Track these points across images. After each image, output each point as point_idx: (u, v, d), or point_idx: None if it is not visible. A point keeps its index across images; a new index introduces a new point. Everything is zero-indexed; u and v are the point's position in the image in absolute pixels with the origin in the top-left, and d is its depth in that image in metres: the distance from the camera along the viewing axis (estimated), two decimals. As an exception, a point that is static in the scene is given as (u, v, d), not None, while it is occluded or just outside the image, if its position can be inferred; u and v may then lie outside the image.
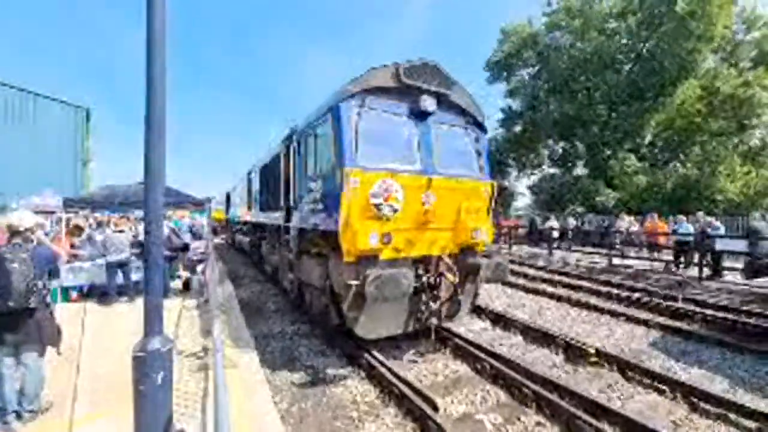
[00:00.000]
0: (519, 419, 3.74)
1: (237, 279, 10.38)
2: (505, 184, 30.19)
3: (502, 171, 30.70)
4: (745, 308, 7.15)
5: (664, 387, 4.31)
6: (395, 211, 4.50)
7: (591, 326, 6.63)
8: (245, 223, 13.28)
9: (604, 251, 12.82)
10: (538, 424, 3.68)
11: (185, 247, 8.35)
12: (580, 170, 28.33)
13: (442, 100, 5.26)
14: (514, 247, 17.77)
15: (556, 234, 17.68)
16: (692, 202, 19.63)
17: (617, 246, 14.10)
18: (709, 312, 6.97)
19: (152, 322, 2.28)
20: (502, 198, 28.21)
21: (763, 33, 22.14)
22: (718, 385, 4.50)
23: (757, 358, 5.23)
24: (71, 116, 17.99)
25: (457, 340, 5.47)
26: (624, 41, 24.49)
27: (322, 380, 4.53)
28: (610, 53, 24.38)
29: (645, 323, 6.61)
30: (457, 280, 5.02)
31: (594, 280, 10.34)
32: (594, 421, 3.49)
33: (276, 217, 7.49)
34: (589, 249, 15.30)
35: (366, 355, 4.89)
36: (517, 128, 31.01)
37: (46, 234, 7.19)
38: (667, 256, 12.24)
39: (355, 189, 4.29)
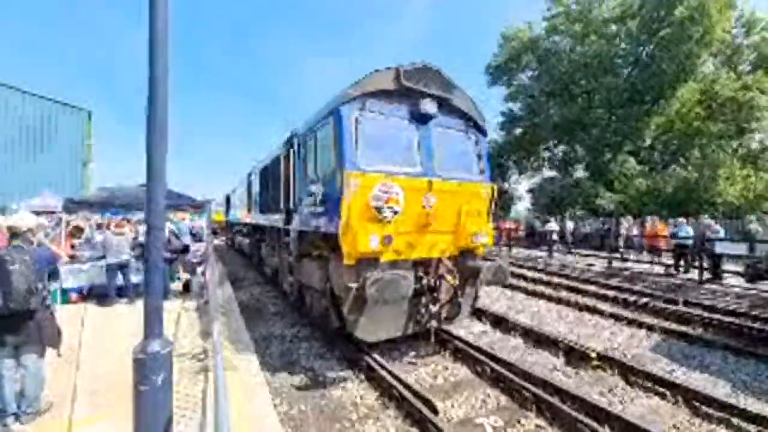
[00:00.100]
0: (519, 422, 3.73)
1: (237, 281, 10.37)
2: (505, 186, 30.23)
3: (503, 174, 30.74)
4: (746, 312, 7.14)
5: (665, 391, 4.30)
6: (395, 213, 4.51)
7: (592, 329, 6.62)
8: (245, 225, 13.28)
9: (604, 254, 12.81)
10: (539, 427, 3.66)
11: (185, 249, 8.35)
12: (580, 173, 28.37)
13: (443, 104, 5.27)
14: (514, 250, 17.77)
15: (555, 237, 17.67)
16: (692, 205, 19.65)
17: (620, 249, 14.12)
18: (710, 315, 6.95)
19: (152, 324, 2.28)
20: (502, 201, 28.24)
21: (762, 36, 22.23)
22: (720, 389, 4.48)
23: (759, 361, 5.21)
24: (72, 118, 18.03)
25: (457, 342, 5.45)
26: (623, 45, 24.62)
27: (322, 383, 4.52)
28: (609, 57, 24.50)
29: (646, 326, 6.60)
30: (457, 282, 5.02)
31: (594, 283, 10.33)
32: (595, 425, 3.47)
33: (276, 220, 7.49)
34: (589, 252, 15.29)
35: (366, 357, 4.88)
36: (518, 131, 31.09)
37: (46, 235, 7.20)
38: (668, 259, 12.24)
39: (356, 191, 4.29)
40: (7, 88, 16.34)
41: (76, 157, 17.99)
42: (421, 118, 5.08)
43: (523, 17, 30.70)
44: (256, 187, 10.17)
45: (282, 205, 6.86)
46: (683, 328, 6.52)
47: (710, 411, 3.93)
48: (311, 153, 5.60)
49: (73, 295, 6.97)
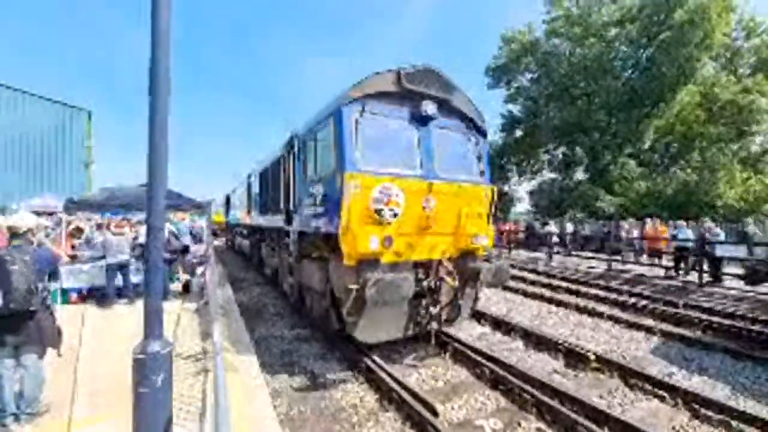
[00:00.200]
0: (519, 425, 3.72)
1: (237, 282, 10.36)
2: (505, 188, 30.26)
3: (503, 176, 30.79)
4: (746, 314, 7.14)
5: (665, 393, 4.29)
6: (396, 215, 4.51)
7: (591, 331, 6.61)
8: (245, 226, 13.29)
9: (604, 257, 12.81)
10: (539, 430, 3.66)
11: (185, 250, 8.35)
12: (580, 175, 28.42)
13: (443, 105, 5.28)
14: (513, 252, 17.76)
15: (555, 239, 17.67)
16: (692, 208, 19.67)
17: (623, 252, 14.13)
18: (709, 318, 6.95)
19: (152, 324, 2.28)
20: (502, 203, 28.26)
21: (762, 40, 22.31)
22: (720, 392, 4.48)
23: (759, 364, 5.21)
24: (73, 118, 18.06)
25: (457, 344, 5.45)
26: (623, 48, 24.70)
27: (322, 384, 4.51)
28: (609, 60, 24.58)
29: (645, 329, 6.59)
30: (457, 284, 5.02)
31: (594, 285, 10.33)
32: (595, 427, 3.47)
33: (276, 221, 7.50)
34: (589, 254, 15.28)
35: (366, 359, 4.87)
36: (518, 133, 31.16)
37: (47, 236, 7.20)
38: (668, 261, 12.23)
39: (356, 193, 4.30)
40: (6, 88, 16.37)
41: (77, 158, 18.01)
42: (421, 120, 5.09)
43: (523, 18, 30.86)
44: (256, 188, 10.18)
45: (282, 206, 6.87)
46: (683, 331, 6.51)
47: (710, 414, 3.93)
48: (312, 154, 5.61)
49: (73, 296, 6.97)
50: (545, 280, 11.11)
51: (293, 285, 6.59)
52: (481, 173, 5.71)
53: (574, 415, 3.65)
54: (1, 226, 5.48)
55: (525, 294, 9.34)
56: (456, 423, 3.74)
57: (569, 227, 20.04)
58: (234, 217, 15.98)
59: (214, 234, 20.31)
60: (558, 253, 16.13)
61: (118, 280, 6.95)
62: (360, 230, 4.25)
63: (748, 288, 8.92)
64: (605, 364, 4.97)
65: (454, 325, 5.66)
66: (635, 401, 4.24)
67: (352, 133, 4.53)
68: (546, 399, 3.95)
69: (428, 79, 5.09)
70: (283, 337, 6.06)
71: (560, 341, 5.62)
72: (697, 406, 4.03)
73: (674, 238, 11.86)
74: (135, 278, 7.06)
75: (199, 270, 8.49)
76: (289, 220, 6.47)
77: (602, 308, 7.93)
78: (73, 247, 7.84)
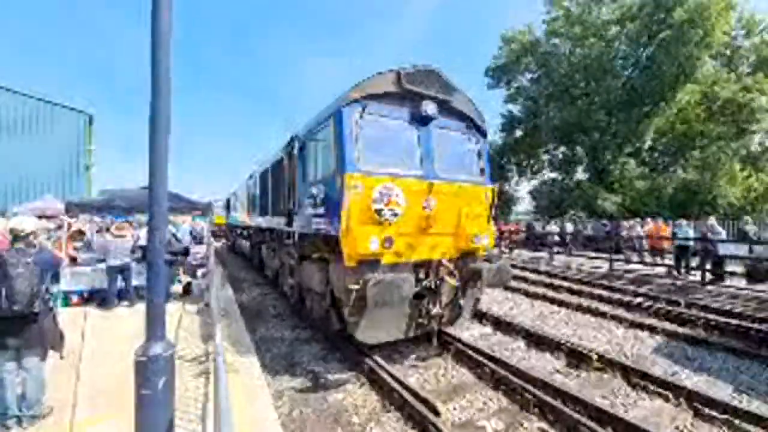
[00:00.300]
0: (521, 425, 3.71)
1: (237, 283, 10.37)
2: (505, 188, 30.26)
3: (503, 176, 30.78)
4: (748, 313, 7.12)
5: (668, 393, 4.28)
6: (396, 215, 4.51)
7: (593, 331, 6.60)
8: (246, 227, 13.30)
9: (605, 256, 12.79)
10: (541, 430, 3.65)
11: (186, 252, 8.35)
12: (580, 175, 28.40)
13: (443, 106, 5.29)
14: (514, 252, 17.75)
15: (556, 238, 17.65)
16: (693, 206, 19.66)
17: (624, 251, 14.11)
18: (712, 317, 6.93)
19: (154, 326, 2.28)
20: (503, 203, 28.26)
21: (762, 38, 22.29)
22: (723, 391, 4.46)
23: (762, 363, 5.19)
24: (74, 121, 18.09)
25: (458, 345, 5.44)
26: (623, 48, 24.69)
27: (323, 385, 4.51)
28: (609, 59, 24.57)
29: (648, 328, 6.58)
30: (458, 284, 5.01)
31: (595, 284, 10.31)
32: (597, 427, 3.46)
33: (277, 222, 7.50)
34: (590, 254, 15.26)
35: (367, 360, 4.87)
36: (518, 133, 31.16)
37: (48, 239, 7.21)
38: (670, 260, 12.21)
39: (357, 194, 4.30)
40: (6, 91, 16.41)
41: (78, 160, 18.05)
42: (421, 120, 5.09)
43: (523, 18, 30.93)
44: (256, 190, 10.19)
45: (283, 208, 6.87)
46: (685, 330, 6.50)
47: (713, 413, 3.91)
48: (312, 155, 5.62)
49: (74, 298, 6.97)
50: (547, 280, 11.10)
51: (294, 286, 6.59)
52: (482, 173, 5.71)
53: (576, 415, 3.64)
54: (2, 229, 5.49)
55: (526, 294, 9.33)
56: (458, 423, 3.73)
57: (569, 227, 20.02)
58: (234, 218, 16.00)
59: (215, 235, 20.33)
60: (559, 252, 16.12)
61: (120, 283, 6.95)
62: (360, 231, 4.25)
63: (751, 286, 8.90)
64: (607, 363, 4.96)
65: (456, 326, 5.65)
66: (638, 401, 4.22)
67: (352, 134, 4.54)
68: (548, 399, 3.93)
69: (428, 79, 5.10)
70: (284, 339, 6.06)
71: (562, 341, 5.61)
72: (700, 406, 4.02)
73: (674, 236, 11.84)
74: (136, 281, 7.06)
75: (200, 272, 8.49)
76: (289, 222, 6.47)
77: (604, 308, 7.91)
78: (75, 249, 7.84)
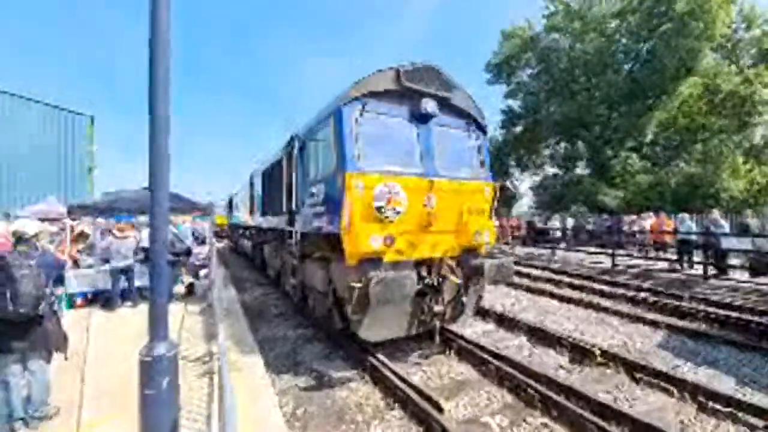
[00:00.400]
0: (525, 421, 3.72)
1: (240, 283, 10.39)
2: (506, 185, 30.19)
3: (504, 172, 30.71)
4: (751, 306, 7.09)
5: (671, 387, 4.27)
6: (397, 213, 4.51)
7: (596, 326, 6.59)
8: (248, 227, 13.33)
9: (608, 251, 12.76)
10: (545, 425, 3.65)
11: (188, 252, 8.38)
12: (581, 170, 28.30)
13: (443, 103, 5.27)
14: (516, 248, 17.72)
15: (558, 234, 17.62)
16: (696, 200, 19.57)
17: (633, 245, 14.09)
18: (715, 311, 6.92)
19: (158, 326, 2.29)
20: (504, 199, 28.21)
21: (762, 30, 22.11)
22: (726, 384, 4.46)
23: (765, 356, 5.18)
24: (75, 123, 18.14)
25: (461, 341, 5.45)
26: (624, 41, 24.54)
27: (327, 383, 4.52)
28: (610, 53, 24.42)
29: (651, 323, 6.57)
30: (460, 281, 5.01)
31: (598, 280, 10.29)
32: (601, 422, 3.46)
33: (278, 221, 7.51)
34: (592, 249, 15.24)
35: (370, 358, 4.88)
36: (518, 129, 31.05)
37: (51, 242, 7.24)
38: (673, 254, 12.17)
39: (357, 192, 4.30)
40: (9, 95, 16.46)
41: (80, 163, 18.10)
42: (421, 118, 5.08)
43: (523, 16, 30.70)
44: (258, 190, 10.20)
45: (284, 207, 6.88)
46: (688, 324, 6.48)
47: (717, 406, 3.91)
48: (312, 154, 5.61)
49: (78, 300, 7.01)
50: (549, 276, 11.08)
51: (296, 285, 6.60)
52: (483, 169, 5.69)
53: (580, 411, 3.64)
54: (5, 232, 5.52)
55: (529, 290, 9.33)
56: (462, 420, 3.74)
57: (570, 222, 19.99)
58: (236, 218, 16.03)
59: (217, 236, 20.39)
60: (562, 248, 16.09)
61: (123, 284, 6.98)
62: (362, 230, 4.25)
63: (754, 280, 8.87)
64: (611, 358, 4.95)
65: (458, 323, 5.65)
66: (641, 395, 4.22)
67: (352, 132, 4.53)
68: (552, 395, 3.94)
69: (428, 76, 5.08)
70: (287, 337, 6.08)
71: (565, 337, 5.61)
72: (703, 399, 4.01)
73: (675, 231, 11.80)
74: (139, 281, 7.09)
75: (203, 272, 8.53)
76: (291, 221, 6.48)
77: (607, 303, 7.91)
78: (79, 251, 7.87)
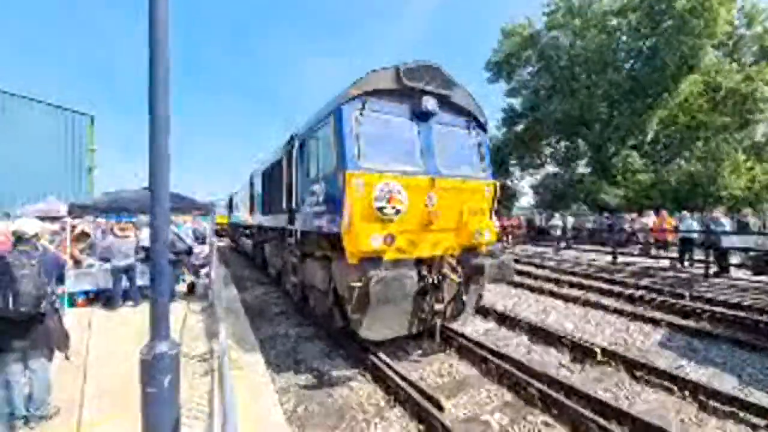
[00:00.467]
0: (525, 419, 3.72)
1: (240, 282, 10.41)
2: (507, 183, 30.17)
3: (505, 170, 30.66)
4: (752, 304, 7.08)
5: (672, 386, 4.28)
6: (398, 212, 4.51)
7: (597, 325, 6.59)
8: (248, 226, 13.33)
9: (609, 249, 12.75)
10: (545, 424, 3.66)
11: (189, 251, 8.38)
12: (582, 168, 28.25)
13: (444, 101, 5.26)
14: (517, 247, 17.72)
15: (558, 232, 17.61)
16: (697, 198, 19.53)
17: (633, 244, 14.08)
18: (717, 309, 6.91)
19: (159, 325, 2.29)
20: (505, 197, 28.18)
21: (764, 27, 22.02)
22: (727, 383, 4.46)
23: (766, 355, 5.18)
24: (75, 123, 18.14)
25: (462, 340, 5.45)
26: (624, 39, 24.44)
27: (327, 382, 4.53)
28: (611, 51, 24.33)
29: (652, 321, 6.56)
30: (460, 280, 5.01)
31: (599, 278, 10.29)
32: (601, 421, 3.46)
33: (279, 220, 7.51)
34: (593, 247, 15.23)
35: (371, 356, 4.89)
36: (519, 128, 30.97)
37: (51, 241, 7.25)
38: (674, 253, 12.16)
39: (358, 191, 4.29)
40: (9, 95, 16.46)
41: (80, 162, 18.11)
42: (422, 116, 5.07)
43: (523, 14, 30.57)
44: (258, 188, 10.20)
45: (284, 206, 6.88)
46: (690, 323, 6.48)
47: (717, 405, 3.91)
48: (313, 153, 5.61)
49: (79, 299, 7.02)
50: (549, 275, 11.07)
51: (296, 284, 6.61)
52: (483, 168, 5.69)
53: (580, 409, 3.64)
54: (6, 231, 5.53)
55: (530, 289, 9.32)
56: (462, 418, 3.75)
57: (570, 220, 19.97)
58: (237, 217, 16.04)
59: (218, 235, 20.40)
60: (565, 247, 16.09)
61: (124, 283, 6.99)
62: (362, 228, 4.25)
63: (756, 278, 8.85)
64: (611, 357, 4.96)
65: (459, 321, 5.66)
66: (642, 394, 4.23)
67: (352, 131, 4.52)
68: (552, 393, 3.94)
69: (428, 75, 5.07)
70: (288, 336, 6.09)
71: (566, 335, 5.61)
72: (704, 398, 4.02)
73: (676, 229, 11.79)
74: (140, 280, 7.10)
75: (204, 271, 8.53)
76: (291, 220, 6.48)
77: (608, 301, 7.90)
78: (80, 251, 7.88)
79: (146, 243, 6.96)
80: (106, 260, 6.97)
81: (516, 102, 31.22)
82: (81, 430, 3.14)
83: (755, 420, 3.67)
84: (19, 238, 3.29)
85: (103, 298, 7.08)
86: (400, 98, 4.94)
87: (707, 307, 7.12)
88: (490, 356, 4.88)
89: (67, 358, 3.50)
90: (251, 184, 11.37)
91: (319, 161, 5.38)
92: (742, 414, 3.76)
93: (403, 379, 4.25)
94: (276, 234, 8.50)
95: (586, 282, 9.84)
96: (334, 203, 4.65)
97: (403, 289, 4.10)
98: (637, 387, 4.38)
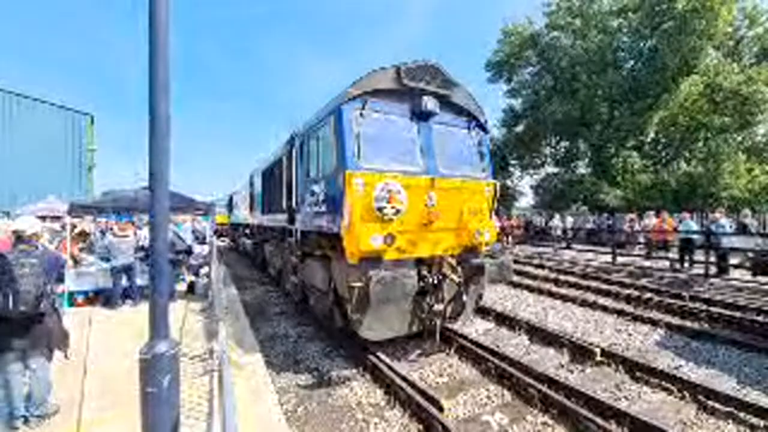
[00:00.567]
0: (525, 419, 3.73)
1: (240, 282, 10.41)
2: (507, 183, 30.16)
3: (505, 171, 30.65)
4: (752, 305, 7.09)
5: (671, 386, 4.28)
6: (398, 212, 4.51)
7: (596, 325, 6.60)
8: (248, 226, 13.33)
9: (608, 250, 12.75)
10: (545, 424, 3.66)
11: (189, 250, 8.39)
12: (582, 169, 28.24)
13: (444, 101, 5.26)
14: (516, 247, 17.72)
15: (558, 233, 17.61)
16: (697, 199, 19.53)
17: (633, 245, 14.08)
18: (716, 310, 6.92)
19: (158, 325, 2.29)
20: (505, 198, 28.18)
21: (765, 28, 22.01)
22: (727, 384, 4.46)
23: (766, 356, 5.18)
24: (76, 122, 18.15)
25: (461, 340, 5.45)
26: (625, 39, 24.43)
27: (327, 382, 4.53)
28: (612, 51, 24.32)
29: (651, 322, 6.57)
30: (460, 280, 5.01)
31: (598, 279, 10.29)
32: (600, 421, 3.47)
33: (279, 220, 7.52)
34: (593, 248, 15.23)
35: (370, 356, 4.89)
36: (519, 128, 30.95)
37: (51, 241, 7.25)
38: (674, 254, 12.16)
39: (358, 191, 4.30)
40: (9, 94, 16.46)
41: (79, 162, 18.12)
42: (422, 116, 5.07)
43: (523, 14, 30.56)
44: (258, 188, 10.20)
45: (284, 206, 6.88)
46: (689, 323, 6.49)
47: (717, 405, 3.91)
48: (313, 153, 5.61)
49: (79, 299, 7.02)
50: (549, 275, 11.08)
51: (296, 284, 6.61)
52: (483, 168, 5.69)
53: (579, 409, 3.65)
54: (6, 230, 5.52)
55: (529, 289, 9.33)
56: (462, 418, 3.75)
57: (569, 221, 19.98)
58: (237, 217, 16.04)
59: (218, 234, 20.40)
60: (562, 247, 16.09)
61: (124, 282, 7.00)
62: (362, 228, 4.25)
63: (755, 279, 8.86)
64: (611, 357, 4.96)
65: (459, 321, 5.65)
66: (641, 394, 4.23)
67: (352, 131, 4.52)
68: (551, 393, 3.94)
69: (428, 74, 5.07)
70: (288, 336, 6.09)
71: (565, 335, 5.61)
72: (704, 398, 4.02)
73: (676, 231, 11.79)
74: (140, 280, 7.10)
75: (203, 270, 8.54)
76: (291, 220, 6.48)
77: (607, 302, 7.91)
78: (81, 250, 7.88)
79: (146, 242, 6.97)
80: (106, 260, 6.98)
81: (516, 102, 31.22)
82: (81, 430, 3.14)
83: (754, 420, 3.67)
84: (19, 238, 3.29)
85: (102, 298, 7.08)
86: (400, 98, 4.94)
87: (707, 307, 7.12)
88: (489, 356, 4.88)
89: (66, 357, 3.50)
90: (251, 184, 11.37)
91: (319, 161, 5.38)
92: (740, 414, 3.76)
93: (403, 379, 4.25)
94: (276, 234, 8.50)
95: (585, 282, 9.85)
96: (334, 203, 4.65)
97: (403, 289, 4.11)
98: (636, 387, 4.38)
